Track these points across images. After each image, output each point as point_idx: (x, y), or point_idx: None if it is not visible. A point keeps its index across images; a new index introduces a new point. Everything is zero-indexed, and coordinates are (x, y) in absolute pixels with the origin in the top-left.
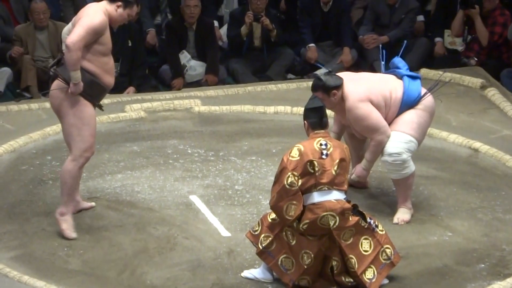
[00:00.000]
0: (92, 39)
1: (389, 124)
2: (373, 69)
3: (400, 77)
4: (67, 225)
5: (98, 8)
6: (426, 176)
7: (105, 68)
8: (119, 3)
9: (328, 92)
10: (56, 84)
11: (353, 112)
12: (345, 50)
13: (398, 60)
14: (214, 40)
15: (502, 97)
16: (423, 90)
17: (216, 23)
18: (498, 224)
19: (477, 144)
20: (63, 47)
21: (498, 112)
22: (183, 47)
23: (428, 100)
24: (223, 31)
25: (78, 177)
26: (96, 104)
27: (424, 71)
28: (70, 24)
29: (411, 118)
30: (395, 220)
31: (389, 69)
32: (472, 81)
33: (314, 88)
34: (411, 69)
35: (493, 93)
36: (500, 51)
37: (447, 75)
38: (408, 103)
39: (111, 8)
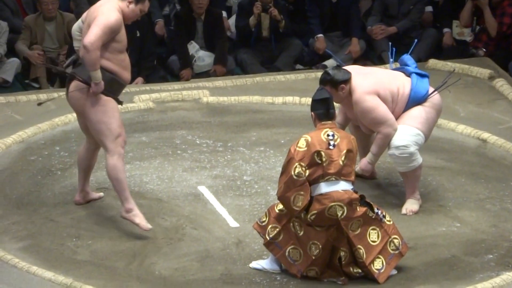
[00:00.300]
0: (109, 37)
1: (396, 119)
2: (381, 60)
3: (409, 74)
4: (140, 219)
5: (111, 6)
6: (435, 166)
7: (123, 65)
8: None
9: (336, 86)
10: (75, 85)
11: (360, 105)
12: (354, 41)
13: (407, 58)
14: (222, 31)
15: (511, 88)
16: (431, 89)
17: (224, 14)
18: (506, 214)
19: (485, 135)
20: (74, 44)
21: (506, 102)
22: (191, 38)
23: (436, 98)
24: (232, 21)
25: (123, 169)
26: (116, 99)
27: (432, 62)
28: (80, 21)
29: (418, 113)
30: (404, 210)
31: (398, 66)
32: (481, 71)
33: (322, 83)
34: (419, 60)
35: (502, 84)
36: (508, 41)
37: (456, 67)
38: (415, 100)
39: (123, 4)
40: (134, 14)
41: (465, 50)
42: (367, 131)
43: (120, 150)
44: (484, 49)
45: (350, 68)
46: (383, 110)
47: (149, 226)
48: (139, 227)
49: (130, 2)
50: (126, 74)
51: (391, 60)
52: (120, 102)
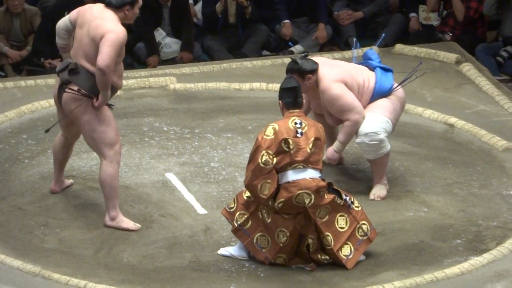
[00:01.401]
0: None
1: None
2: (348, 45)
3: (373, 68)
4: (126, 223)
5: (113, 19)
6: (402, 151)
7: (119, 74)
8: (127, 7)
9: (303, 76)
10: (72, 95)
11: (327, 92)
12: (320, 26)
13: (371, 52)
14: (189, 17)
15: (477, 72)
16: (395, 84)
17: (190, 0)
18: (474, 199)
19: (452, 119)
20: (58, 41)
21: (473, 87)
22: (158, 25)
23: (400, 92)
24: (198, 8)
25: (118, 176)
26: (108, 104)
27: (398, 47)
28: (67, 20)
29: (385, 103)
30: (371, 196)
31: (361, 60)
32: (447, 56)
33: (289, 71)
34: (386, 45)
35: (468, 68)
36: (475, 26)
37: (422, 52)
38: (380, 94)
39: (121, 14)
40: (134, 16)
41: (432, 35)
42: (332, 123)
43: (118, 158)
44: (451, 34)
45: (317, 59)
46: (350, 97)
47: (138, 225)
48: (130, 230)
49: (127, 10)
50: (121, 82)
51: (354, 52)
52: (110, 106)
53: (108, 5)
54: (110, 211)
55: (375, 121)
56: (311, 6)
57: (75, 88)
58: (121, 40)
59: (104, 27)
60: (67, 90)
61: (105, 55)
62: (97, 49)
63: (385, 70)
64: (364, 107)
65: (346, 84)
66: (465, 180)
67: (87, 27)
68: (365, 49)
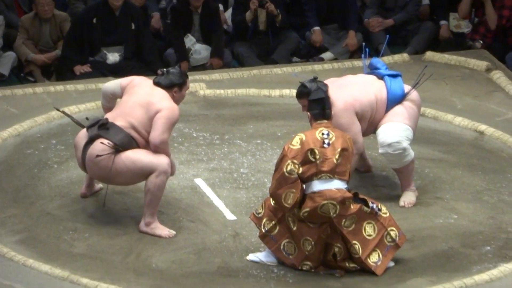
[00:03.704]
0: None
1: (380, 121)
2: (378, 52)
3: (381, 77)
4: (161, 230)
5: (167, 96)
6: (432, 158)
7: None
8: (175, 89)
9: None
10: (102, 149)
11: (336, 119)
12: (351, 34)
13: (376, 61)
14: (219, 24)
15: (508, 80)
16: (406, 87)
17: (221, 7)
18: (503, 206)
19: (482, 127)
20: (103, 102)
21: (503, 94)
22: (188, 31)
23: (414, 95)
24: (228, 14)
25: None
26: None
27: (429, 54)
28: (118, 85)
29: (401, 110)
30: (401, 203)
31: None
32: (478, 64)
33: (299, 96)
34: (416, 53)
35: (499, 76)
36: (506, 34)
37: (453, 59)
38: (394, 102)
39: (171, 94)
40: (181, 99)
41: (462, 43)
42: None
43: (167, 169)
44: (481, 41)
45: (326, 81)
46: (354, 131)
47: (173, 232)
48: (165, 237)
49: (175, 92)
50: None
51: (364, 61)
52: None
53: (157, 84)
54: (146, 217)
55: (396, 130)
56: (342, 13)
57: (105, 141)
58: (176, 118)
59: (161, 103)
60: (100, 141)
61: (159, 131)
62: (149, 119)
63: (394, 76)
64: (381, 118)
65: (356, 111)
66: (494, 187)
67: (138, 97)
68: (396, 56)
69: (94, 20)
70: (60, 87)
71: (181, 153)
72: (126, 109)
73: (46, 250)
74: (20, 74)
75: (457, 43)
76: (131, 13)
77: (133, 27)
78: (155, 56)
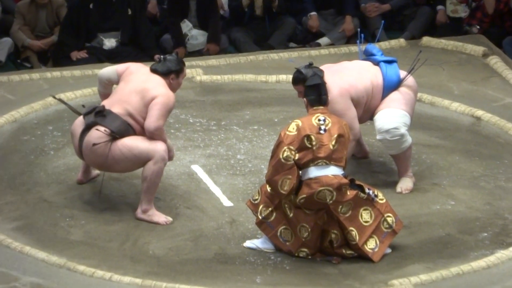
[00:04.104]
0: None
1: (377, 107)
2: (374, 37)
3: (377, 63)
4: (158, 216)
5: (163, 83)
6: (429, 144)
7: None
8: (172, 75)
9: None
10: (99, 136)
11: (333, 105)
12: (347, 19)
13: (371, 47)
14: (215, 9)
15: (505, 65)
16: (402, 73)
17: None
18: (500, 192)
19: (479, 112)
20: (99, 88)
21: (500, 80)
22: (184, 16)
23: (410, 80)
24: (225, 0)
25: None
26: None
27: (426, 39)
28: (114, 70)
29: (398, 96)
30: (398, 189)
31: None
32: (475, 49)
33: (294, 81)
34: (413, 38)
35: (496, 61)
36: (503, 19)
37: (449, 44)
38: (390, 88)
39: (167, 80)
40: (178, 86)
41: (459, 28)
42: None
43: (164, 156)
44: (478, 27)
45: (322, 67)
46: (350, 116)
47: (169, 219)
48: (161, 224)
49: (172, 79)
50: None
51: (360, 46)
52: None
53: (154, 71)
54: (143, 204)
55: (394, 116)
56: None
57: (102, 128)
58: (171, 105)
59: (157, 89)
60: (96, 128)
61: (154, 117)
62: (144, 106)
63: (389, 62)
64: (378, 105)
65: (351, 96)
66: (491, 173)
67: (134, 84)
68: (393, 42)
69: (91, 6)
70: (56, 73)
71: (178, 139)
72: (123, 96)
73: (43, 237)
74: (17, 60)
75: (454, 28)
76: None
77: (129, 12)
78: (152, 41)
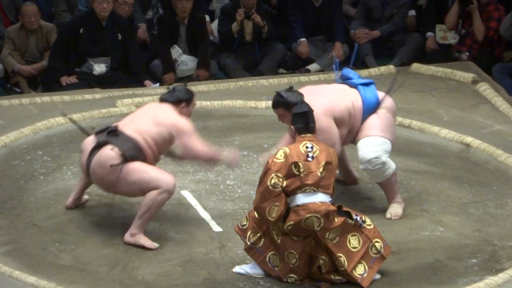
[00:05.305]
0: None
1: (356, 133)
2: (364, 64)
3: (354, 86)
4: (145, 240)
5: (176, 112)
6: (418, 171)
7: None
8: (182, 104)
9: (289, 108)
10: (110, 156)
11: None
12: (337, 45)
13: (347, 71)
14: (205, 35)
15: (494, 92)
16: (380, 94)
17: (207, 18)
18: (489, 219)
19: (468, 139)
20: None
21: (489, 107)
22: (174, 42)
23: (388, 102)
24: (214, 25)
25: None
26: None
27: (415, 66)
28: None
29: (376, 122)
30: (388, 215)
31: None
32: (464, 76)
33: (274, 105)
34: (403, 64)
35: (485, 88)
36: (492, 46)
37: (439, 71)
38: (369, 110)
39: (179, 109)
40: (189, 115)
41: (449, 54)
42: None
43: (172, 191)
44: (468, 53)
45: (302, 90)
46: (334, 134)
47: (155, 244)
48: (148, 248)
49: (182, 107)
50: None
51: (336, 74)
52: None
53: (164, 101)
54: (133, 228)
55: (374, 145)
56: (328, 24)
57: (112, 147)
58: (190, 125)
59: (173, 117)
60: (110, 148)
61: (194, 148)
62: (159, 129)
63: (367, 84)
64: (358, 127)
65: (334, 116)
66: (481, 200)
67: (147, 109)
68: (382, 68)
69: (81, 30)
70: (46, 98)
71: (168, 165)
72: (135, 118)
73: (32, 262)
74: (6, 85)
75: (443, 54)
76: (118, 24)
77: (119, 37)
78: (142, 67)
